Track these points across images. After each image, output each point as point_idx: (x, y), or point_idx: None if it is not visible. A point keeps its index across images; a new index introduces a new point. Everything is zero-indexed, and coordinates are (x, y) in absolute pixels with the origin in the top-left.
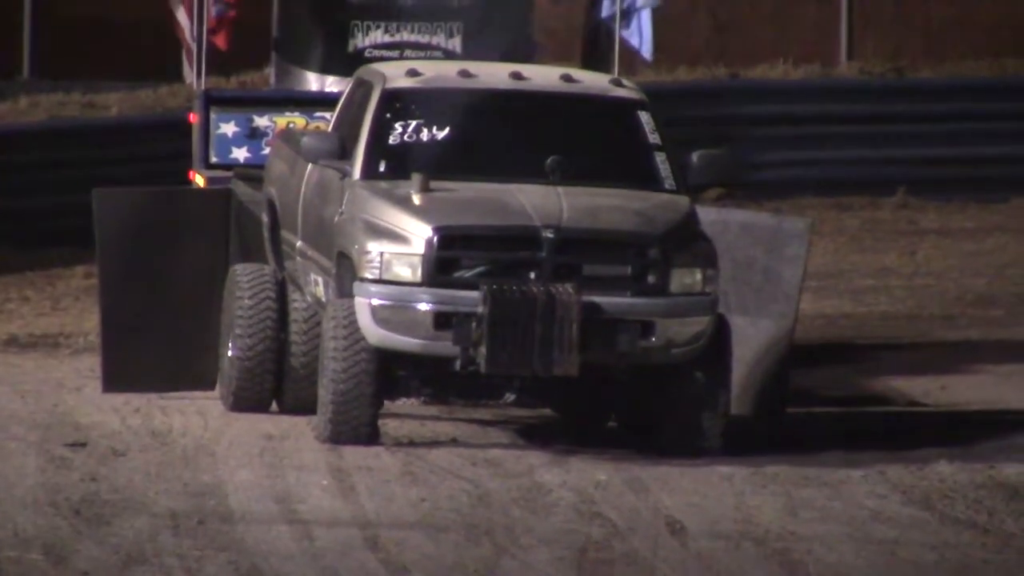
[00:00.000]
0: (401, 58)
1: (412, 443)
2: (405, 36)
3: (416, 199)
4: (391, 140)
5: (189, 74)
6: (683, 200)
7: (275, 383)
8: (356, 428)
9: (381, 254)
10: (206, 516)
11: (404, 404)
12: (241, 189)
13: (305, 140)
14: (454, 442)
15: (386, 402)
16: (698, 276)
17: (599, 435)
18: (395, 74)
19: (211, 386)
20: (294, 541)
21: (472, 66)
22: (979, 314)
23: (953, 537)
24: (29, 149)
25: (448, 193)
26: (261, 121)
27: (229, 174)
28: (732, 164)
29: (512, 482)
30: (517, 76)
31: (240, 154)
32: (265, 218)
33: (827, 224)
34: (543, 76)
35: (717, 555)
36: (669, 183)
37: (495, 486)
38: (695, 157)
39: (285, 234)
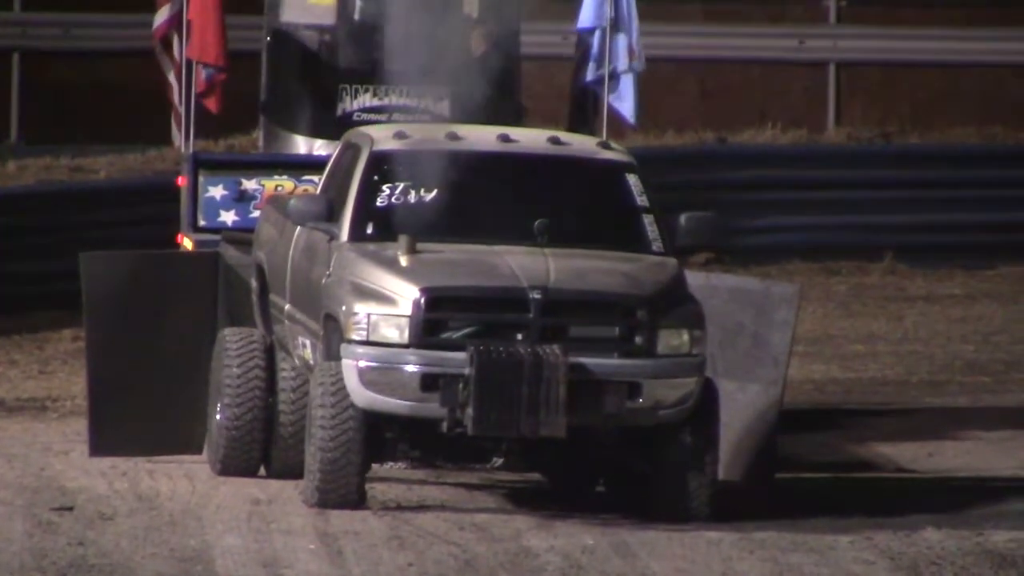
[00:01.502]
0: (389, 122)
1: (399, 507)
2: (393, 100)
3: (403, 260)
4: (379, 202)
5: (178, 137)
6: (671, 262)
7: (263, 449)
8: (344, 494)
9: (368, 315)
10: None
11: (391, 468)
12: (229, 253)
13: (292, 203)
14: (441, 506)
15: (373, 465)
16: (685, 337)
17: (587, 499)
18: (383, 136)
19: (199, 450)
20: None
21: (460, 128)
22: (967, 381)
23: None
24: (17, 213)
25: (435, 255)
26: (249, 184)
27: (217, 237)
28: (720, 227)
29: (499, 546)
30: (505, 139)
31: (228, 217)
32: (254, 283)
33: (815, 289)
34: (531, 139)
35: None
36: (657, 245)
37: (482, 550)
38: (683, 219)
39: (274, 298)
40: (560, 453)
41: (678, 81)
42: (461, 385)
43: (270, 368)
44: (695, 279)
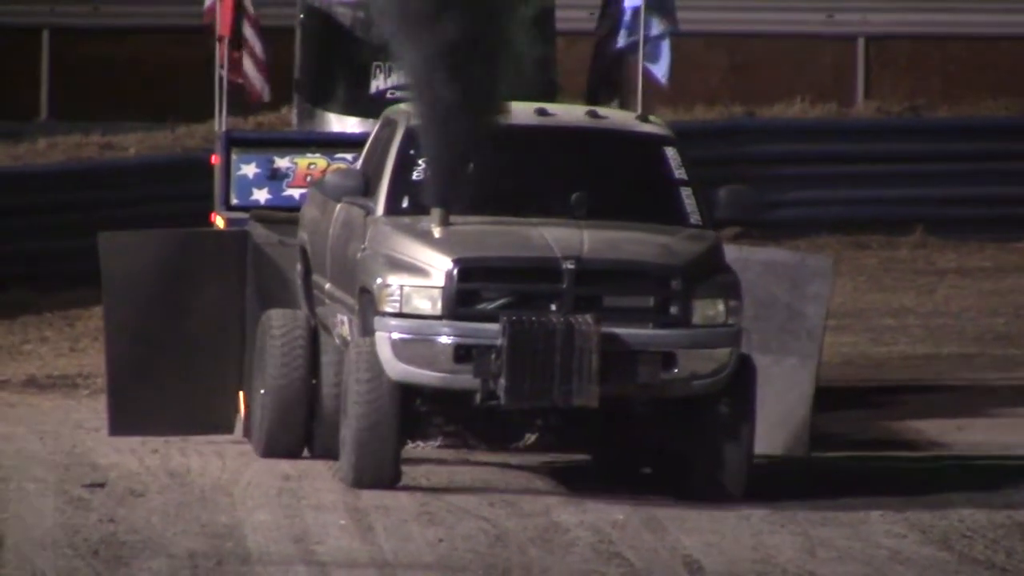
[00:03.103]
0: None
1: (429, 484)
2: None
3: (436, 232)
4: (415, 176)
5: (261, 92)
6: (709, 234)
7: (306, 430)
8: (379, 469)
9: (401, 287)
10: (224, 557)
11: (423, 448)
12: (258, 231)
13: (328, 177)
14: (471, 483)
15: (407, 447)
16: (720, 307)
17: (630, 480)
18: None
19: (228, 430)
20: None
21: None
22: (997, 354)
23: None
24: (48, 191)
25: (468, 227)
26: (282, 162)
27: (246, 216)
28: (757, 201)
29: (529, 521)
30: (543, 112)
31: (261, 195)
32: (299, 265)
33: (845, 263)
34: (569, 112)
35: None
36: (695, 218)
37: (512, 525)
38: (722, 192)
39: (316, 278)
40: (594, 429)
41: (707, 55)
42: (494, 356)
43: (314, 350)
44: (729, 252)
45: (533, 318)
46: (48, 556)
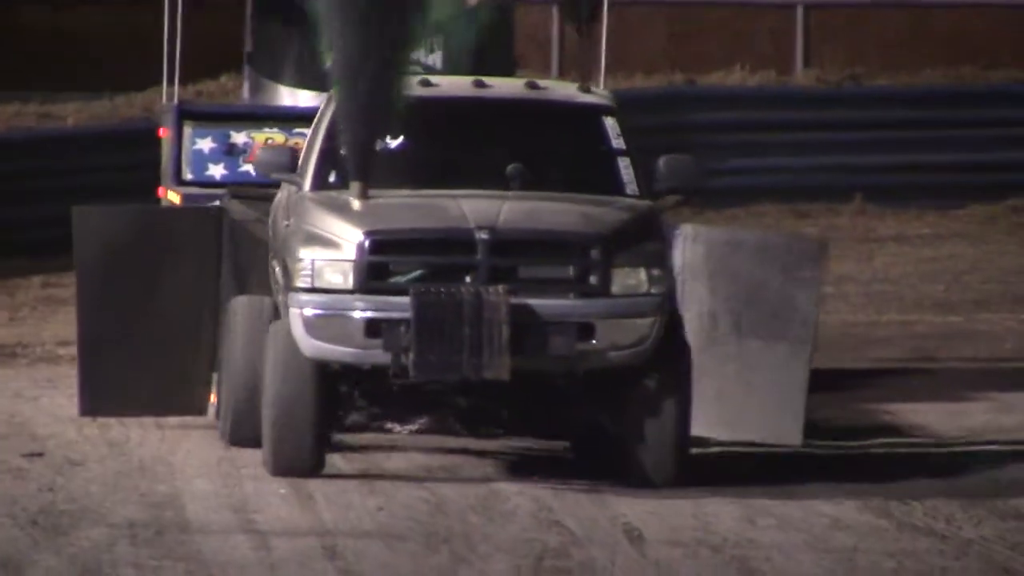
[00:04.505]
0: None
1: (369, 452)
2: None
3: (352, 206)
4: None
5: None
6: (642, 204)
7: None
8: (299, 456)
9: (313, 262)
10: (163, 526)
11: (399, 432)
12: (235, 208)
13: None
14: (411, 451)
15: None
16: (642, 276)
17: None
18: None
19: (200, 412)
20: (252, 551)
21: (437, 77)
22: (937, 320)
23: (911, 544)
24: None
25: (385, 200)
26: (239, 137)
27: (205, 192)
28: (698, 170)
29: (470, 490)
30: (480, 84)
31: (217, 171)
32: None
33: (785, 229)
34: (507, 85)
35: (675, 563)
36: (631, 188)
37: (452, 494)
38: (661, 162)
39: (272, 263)
40: (520, 407)
41: (647, 24)
42: (403, 329)
43: None
44: (719, 235)
45: (441, 289)
46: None
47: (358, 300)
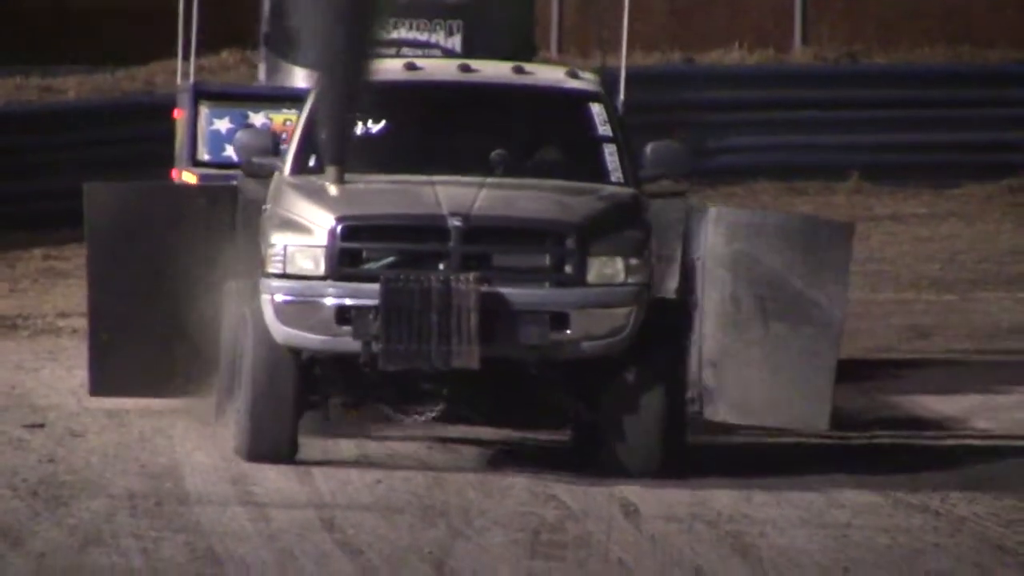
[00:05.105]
0: (398, 56)
1: (366, 431)
2: (403, 33)
3: (327, 191)
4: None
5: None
6: (624, 191)
7: None
8: (275, 442)
9: (285, 247)
10: (163, 497)
11: (418, 420)
12: (249, 187)
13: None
14: (410, 430)
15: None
16: (619, 265)
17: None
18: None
19: (207, 395)
20: (250, 522)
21: (422, 61)
22: (932, 299)
23: (905, 521)
24: None
25: (361, 186)
26: (257, 118)
27: (223, 172)
28: (685, 156)
29: (467, 466)
30: (465, 68)
31: (233, 152)
32: None
33: (781, 206)
34: (494, 69)
35: (670, 537)
36: (616, 176)
37: (450, 470)
38: (648, 149)
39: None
40: (501, 397)
41: (646, 1)
42: (372, 316)
43: None
44: (741, 216)
45: (410, 277)
46: None
47: (329, 287)
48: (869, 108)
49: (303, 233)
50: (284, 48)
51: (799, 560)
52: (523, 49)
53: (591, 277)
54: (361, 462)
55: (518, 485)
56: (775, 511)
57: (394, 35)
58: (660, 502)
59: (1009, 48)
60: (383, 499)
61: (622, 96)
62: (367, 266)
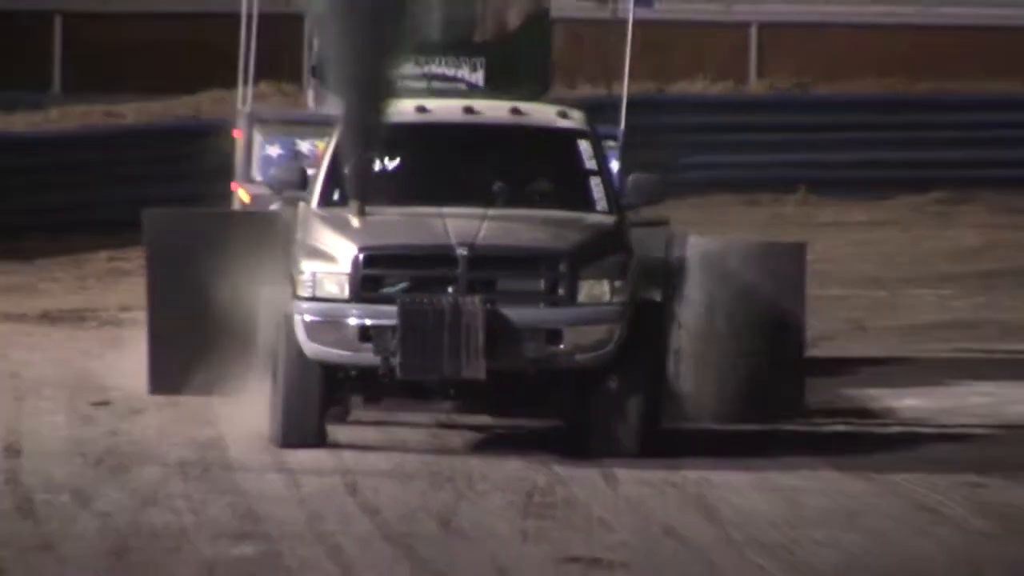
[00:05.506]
0: (429, 88)
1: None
2: (433, 69)
3: (350, 223)
4: (347, 169)
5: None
6: (609, 219)
7: None
8: (304, 433)
9: (314, 274)
10: (209, 465)
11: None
12: (288, 213)
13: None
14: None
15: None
16: (606, 287)
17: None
18: (358, 110)
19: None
20: (284, 487)
21: (431, 103)
22: (868, 295)
23: (846, 487)
24: (58, 152)
25: (380, 218)
26: (304, 145)
27: (270, 192)
28: (661, 186)
29: (471, 439)
30: (469, 111)
31: None
32: None
33: (738, 217)
34: (494, 110)
35: (643, 499)
36: (601, 205)
37: (456, 444)
38: (630, 180)
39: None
40: (504, 397)
41: (623, 39)
42: (391, 334)
43: None
44: (710, 244)
45: (424, 299)
46: (60, 464)
47: (352, 308)
48: (815, 131)
49: (329, 261)
50: (329, 79)
51: (753, 517)
52: (540, 83)
53: (581, 297)
54: (380, 438)
55: (514, 456)
56: (734, 478)
57: (425, 69)
58: (636, 471)
59: (932, 80)
60: (398, 467)
61: (623, 125)
62: (385, 290)
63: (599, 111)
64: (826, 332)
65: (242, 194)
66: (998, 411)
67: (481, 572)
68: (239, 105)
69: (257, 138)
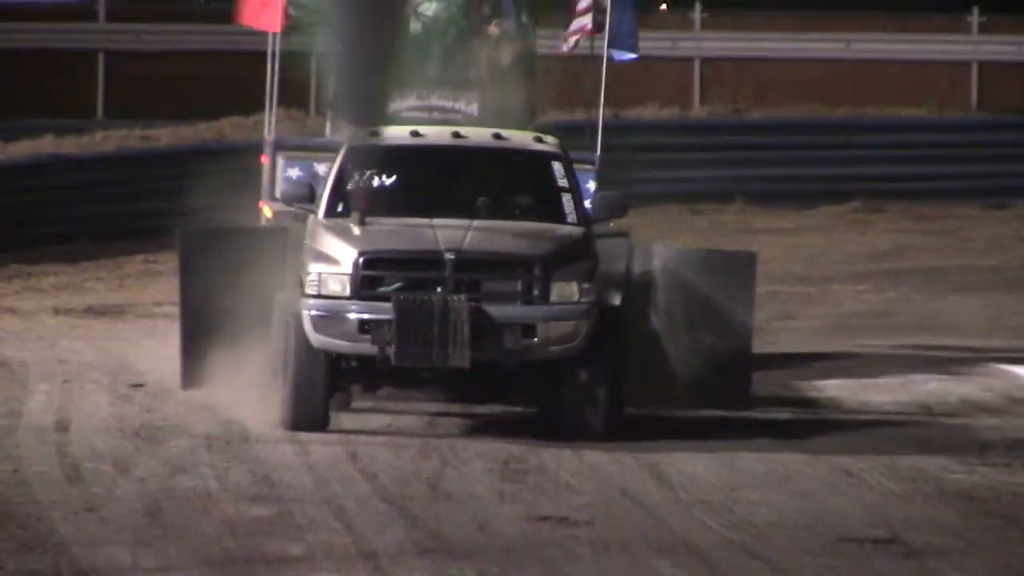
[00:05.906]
0: (429, 118)
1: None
2: (433, 101)
3: (352, 231)
4: (350, 186)
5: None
6: (577, 230)
7: None
8: (311, 416)
9: (320, 274)
10: (231, 438)
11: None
12: (297, 228)
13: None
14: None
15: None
16: (575, 288)
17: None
18: (362, 135)
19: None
20: (296, 456)
21: (424, 128)
22: (796, 290)
23: (781, 456)
24: (101, 169)
25: (378, 226)
26: (320, 168)
27: (291, 209)
28: (623, 203)
29: (458, 422)
30: (457, 135)
31: None
32: None
33: (683, 224)
34: (479, 135)
35: (603, 465)
36: (571, 218)
37: (443, 418)
38: (596, 198)
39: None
40: (489, 385)
41: (582, 72)
42: (386, 327)
43: None
44: (669, 253)
45: (416, 297)
46: (102, 437)
47: (353, 304)
48: (749, 150)
49: (333, 264)
50: (343, 109)
51: (698, 482)
52: (525, 113)
53: (553, 297)
54: (377, 415)
55: (493, 429)
56: (682, 445)
57: (427, 102)
58: (602, 445)
59: (849, 106)
60: (392, 438)
61: (599, 150)
62: (382, 289)
63: (571, 133)
64: (760, 323)
65: (267, 211)
66: (915, 396)
67: (465, 528)
68: (265, 134)
69: (280, 162)
